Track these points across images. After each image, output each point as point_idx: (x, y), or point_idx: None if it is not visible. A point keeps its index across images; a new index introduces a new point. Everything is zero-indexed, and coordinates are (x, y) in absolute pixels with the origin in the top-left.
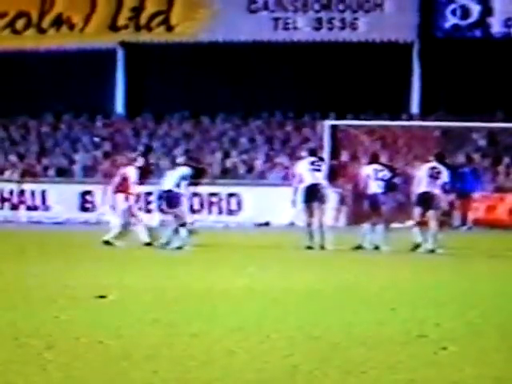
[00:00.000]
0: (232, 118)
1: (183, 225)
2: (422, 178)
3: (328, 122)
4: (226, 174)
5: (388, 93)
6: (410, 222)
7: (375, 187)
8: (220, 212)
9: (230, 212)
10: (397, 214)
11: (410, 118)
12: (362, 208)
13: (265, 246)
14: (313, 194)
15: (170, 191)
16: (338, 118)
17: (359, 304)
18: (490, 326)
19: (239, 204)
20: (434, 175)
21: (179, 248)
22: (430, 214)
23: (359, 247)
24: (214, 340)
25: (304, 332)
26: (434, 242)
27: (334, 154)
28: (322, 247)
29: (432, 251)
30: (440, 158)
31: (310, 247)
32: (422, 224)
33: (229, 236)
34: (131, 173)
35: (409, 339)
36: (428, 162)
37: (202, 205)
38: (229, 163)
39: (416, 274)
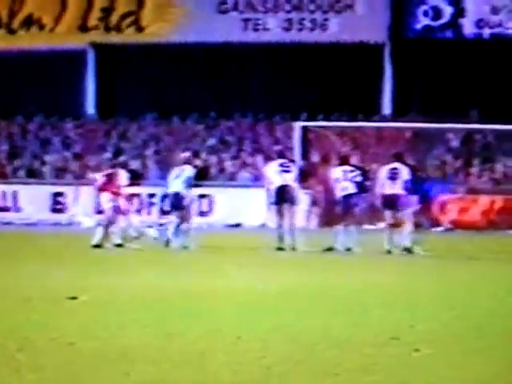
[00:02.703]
0: (203, 118)
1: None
2: (383, 180)
3: (299, 124)
4: (197, 175)
5: (359, 94)
6: (381, 224)
7: (347, 189)
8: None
9: (202, 213)
10: (369, 216)
11: (382, 119)
12: (333, 210)
13: (237, 247)
14: (282, 196)
15: (177, 194)
16: (309, 120)
17: (333, 306)
18: (466, 328)
19: (210, 205)
20: (393, 176)
21: (185, 247)
22: (401, 215)
23: (331, 249)
24: (188, 341)
25: (278, 334)
26: (409, 241)
27: (305, 155)
28: (294, 249)
29: (409, 250)
30: (399, 158)
31: (280, 248)
32: (394, 226)
33: (201, 238)
34: (121, 174)
35: (383, 341)
36: (388, 163)
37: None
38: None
39: (390, 275)
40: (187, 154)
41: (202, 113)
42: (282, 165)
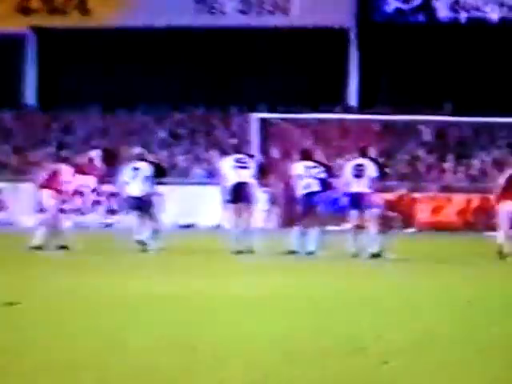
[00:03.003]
0: (152, 110)
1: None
2: (348, 177)
3: (257, 115)
4: (156, 172)
5: (323, 83)
6: (347, 225)
7: (309, 186)
8: None
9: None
10: (333, 216)
11: (348, 110)
12: (294, 209)
13: (190, 250)
14: (239, 194)
15: (139, 198)
16: (268, 111)
17: (293, 314)
18: (437, 339)
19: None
20: (358, 174)
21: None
22: (367, 215)
23: (292, 252)
24: (135, 351)
25: (232, 344)
26: (377, 245)
27: (264, 149)
28: (251, 252)
29: (377, 255)
30: (365, 153)
31: (238, 251)
32: (360, 227)
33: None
34: (65, 170)
35: (347, 352)
36: (354, 158)
37: (119, 205)
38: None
39: (355, 281)
40: (140, 150)
41: (151, 103)
42: (238, 160)
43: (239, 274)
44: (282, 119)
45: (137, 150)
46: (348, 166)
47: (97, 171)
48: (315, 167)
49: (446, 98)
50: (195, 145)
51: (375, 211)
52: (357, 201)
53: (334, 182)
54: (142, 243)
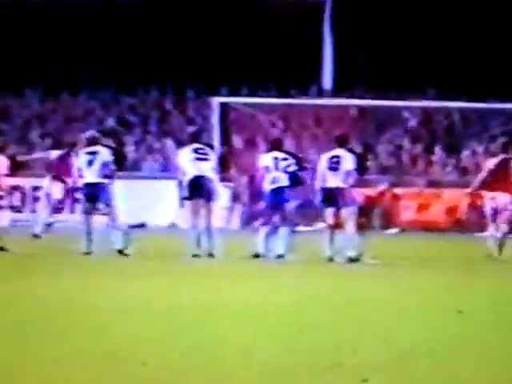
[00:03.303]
0: (98, 94)
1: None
2: (322, 171)
3: (217, 99)
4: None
5: (294, 63)
6: (321, 225)
7: (277, 180)
8: None
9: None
10: (304, 215)
11: (321, 94)
12: (260, 206)
13: (140, 253)
14: (196, 190)
15: (95, 185)
16: (230, 95)
17: (260, 326)
18: (421, 353)
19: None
20: (333, 166)
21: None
22: (343, 213)
23: (257, 255)
24: (78, 366)
25: (189, 360)
26: (354, 247)
27: (226, 139)
28: (211, 255)
29: (355, 260)
30: (341, 143)
31: (195, 255)
32: (336, 227)
33: (96, 240)
34: (1, 162)
35: (321, 369)
36: (329, 149)
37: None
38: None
39: (329, 288)
40: (93, 133)
41: (96, 87)
42: (196, 151)
43: (197, 282)
44: (247, 104)
45: (90, 132)
46: (322, 158)
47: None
48: (285, 159)
49: (429, 80)
50: (147, 133)
51: (353, 209)
52: (332, 197)
53: (305, 175)
54: (87, 252)
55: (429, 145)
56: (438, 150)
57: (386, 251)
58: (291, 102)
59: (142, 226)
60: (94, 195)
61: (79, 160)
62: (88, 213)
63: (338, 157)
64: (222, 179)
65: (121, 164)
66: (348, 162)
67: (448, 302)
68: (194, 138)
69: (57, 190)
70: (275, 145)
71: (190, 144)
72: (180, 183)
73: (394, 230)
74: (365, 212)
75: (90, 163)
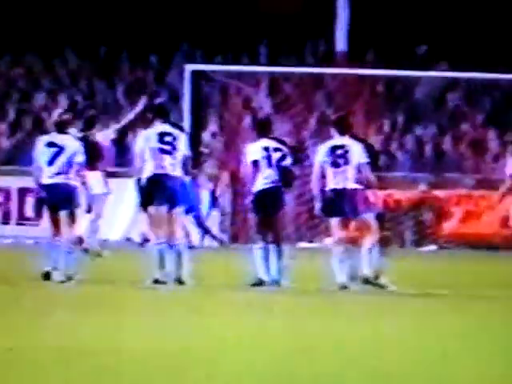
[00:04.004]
0: (21, 60)
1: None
2: (322, 165)
3: (190, 67)
4: (12, 160)
5: (293, 17)
6: (328, 240)
7: (269, 178)
8: (7, 221)
9: (27, 220)
10: (305, 226)
11: (332, 60)
12: (247, 214)
13: (85, 275)
14: (158, 192)
15: (59, 186)
16: (205, 61)
17: (229, 377)
18: None
19: (40, 209)
20: (338, 161)
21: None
22: (356, 224)
23: (259, 283)
24: None
25: None
26: (372, 266)
27: (200, 121)
28: (180, 281)
29: (371, 282)
30: (344, 128)
31: (158, 281)
32: (350, 242)
33: (24, 258)
34: None
35: None
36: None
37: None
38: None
39: (339, 331)
40: (65, 114)
41: (18, 54)
42: (161, 137)
43: (157, 318)
44: (229, 73)
45: (59, 112)
46: (320, 150)
47: None
48: (277, 149)
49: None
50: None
51: (368, 217)
52: (337, 203)
53: (300, 171)
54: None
55: (478, 134)
56: (491, 134)
57: (419, 275)
58: (289, 71)
59: (82, 241)
60: (57, 199)
61: (39, 153)
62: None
63: (342, 147)
64: (195, 177)
65: (95, 162)
66: (357, 153)
67: (508, 348)
68: (161, 112)
69: None
70: (263, 129)
71: (153, 124)
72: (138, 182)
73: (431, 247)
74: (389, 222)
75: (55, 157)
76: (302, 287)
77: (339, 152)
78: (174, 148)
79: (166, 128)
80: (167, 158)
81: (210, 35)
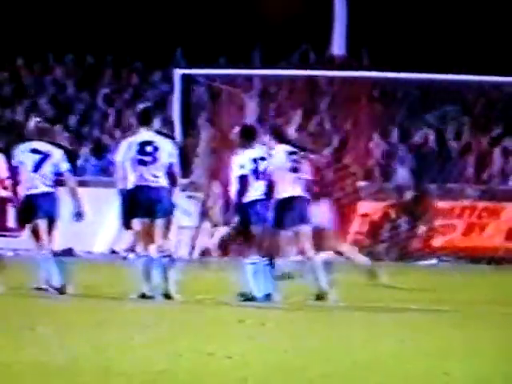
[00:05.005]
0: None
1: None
2: (280, 171)
3: (179, 71)
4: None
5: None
6: (326, 253)
7: (255, 191)
8: None
9: (7, 231)
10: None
11: (331, 62)
12: (239, 227)
13: (69, 289)
14: (141, 205)
15: (46, 195)
16: (192, 65)
17: None
18: None
19: (22, 219)
20: (293, 166)
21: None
22: (302, 233)
23: (250, 298)
24: None
25: None
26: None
27: (190, 127)
28: (167, 296)
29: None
30: (278, 134)
31: (144, 295)
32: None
33: (5, 273)
34: None
35: None
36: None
37: None
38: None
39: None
40: (39, 121)
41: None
42: (142, 147)
43: (141, 335)
44: (222, 77)
45: (36, 119)
46: (279, 153)
47: None
48: (263, 158)
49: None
50: (71, 120)
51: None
52: (290, 210)
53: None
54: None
55: (489, 134)
56: (496, 145)
57: (416, 291)
58: (285, 74)
59: (68, 252)
60: (45, 210)
61: (23, 159)
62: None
63: (295, 153)
64: (184, 187)
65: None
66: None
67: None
68: (144, 119)
69: None
70: (247, 135)
71: (134, 134)
72: (122, 192)
73: (430, 261)
74: (387, 234)
75: (37, 167)
76: (294, 302)
77: (293, 157)
78: (155, 158)
79: (149, 136)
80: (148, 169)
81: (202, 39)
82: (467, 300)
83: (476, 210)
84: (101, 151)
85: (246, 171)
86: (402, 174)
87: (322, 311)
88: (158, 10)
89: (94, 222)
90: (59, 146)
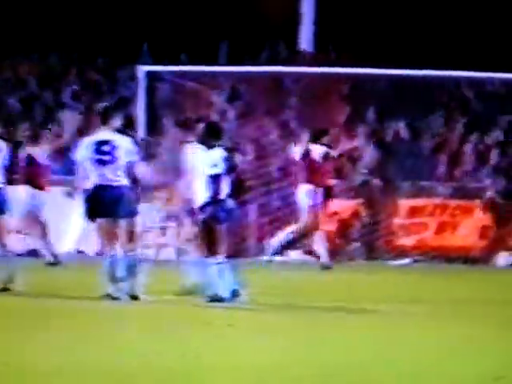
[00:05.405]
0: None
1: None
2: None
3: (143, 68)
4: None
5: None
6: (294, 253)
7: (210, 191)
8: None
9: None
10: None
11: (299, 58)
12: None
13: (29, 292)
14: (103, 204)
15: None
16: (156, 62)
17: None
18: None
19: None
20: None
21: None
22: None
23: (218, 299)
24: None
25: None
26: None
27: (154, 126)
28: (134, 296)
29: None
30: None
31: (110, 296)
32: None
33: None
34: None
35: None
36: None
37: None
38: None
39: (301, 340)
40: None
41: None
42: (98, 147)
43: (106, 337)
44: (187, 74)
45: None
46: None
47: None
48: (227, 159)
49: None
50: (31, 119)
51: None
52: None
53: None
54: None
55: (462, 131)
56: (472, 139)
57: (390, 290)
58: (249, 70)
59: (32, 253)
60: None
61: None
62: None
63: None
64: (145, 187)
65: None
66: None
67: (484, 366)
68: (104, 117)
69: None
70: (214, 135)
71: (96, 132)
72: (84, 192)
73: (402, 261)
74: (357, 233)
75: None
76: (263, 302)
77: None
78: (114, 157)
79: (106, 135)
80: (108, 169)
81: (167, 36)
82: (442, 300)
83: (448, 208)
84: (64, 150)
85: (219, 170)
86: (373, 172)
87: (291, 311)
88: (124, 7)
89: (60, 222)
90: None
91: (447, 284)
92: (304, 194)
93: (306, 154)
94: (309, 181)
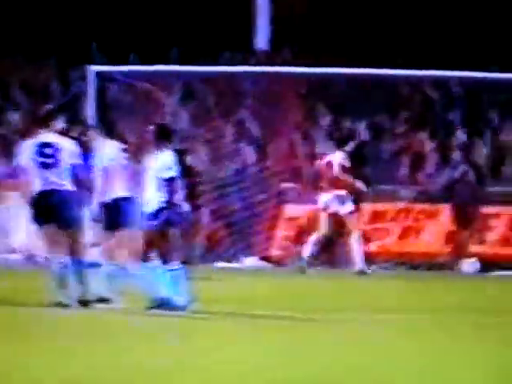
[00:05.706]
0: None
1: None
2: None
3: (94, 68)
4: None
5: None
6: (250, 260)
7: (161, 197)
8: None
9: None
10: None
11: (254, 57)
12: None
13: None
14: (47, 210)
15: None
16: (109, 62)
17: None
18: None
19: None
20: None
21: None
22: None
23: (167, 305)
24: None
25: None
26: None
27: (105, 127)
28: (84, 302)
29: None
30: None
31: (60, 304)
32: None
33: None
34: None
35: None
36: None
37: None
38: None
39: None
40: None
41: None
42: (40, 149)
43: (51, 343)
44: (138, 74)
45: None
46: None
47: None
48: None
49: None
50: None
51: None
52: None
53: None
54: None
55: (424, 132)
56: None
57: (356, 298)
58: (203, 70)
59: None
60: None
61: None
62: None
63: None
64: (93, 191)
65: None
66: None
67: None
68: (46, 119)
69: None
70: (164, 137)
71: (36, 133)
72: (30, 197)
73: (373, 268)
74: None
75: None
76: (210, 310)
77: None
78: (57, 160)
79: (49, 137)
80: (51, 172)
81: (118, 36)
82: (407, 308)
83: (412, 213)
84: (10, 152)
85: (174, 173)
86: None
87: (246, 319)
88: (77, 6)
89: (9, 227)
90: None
91: (412, 291)
92: (329, 200)
93: (329, 162)
94: (335, 187)
